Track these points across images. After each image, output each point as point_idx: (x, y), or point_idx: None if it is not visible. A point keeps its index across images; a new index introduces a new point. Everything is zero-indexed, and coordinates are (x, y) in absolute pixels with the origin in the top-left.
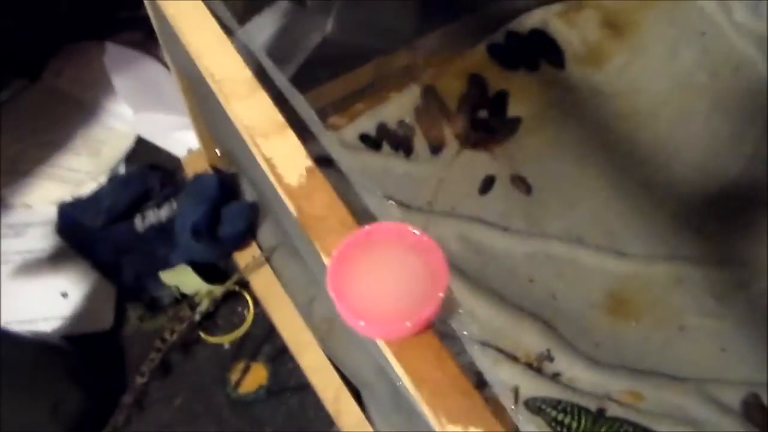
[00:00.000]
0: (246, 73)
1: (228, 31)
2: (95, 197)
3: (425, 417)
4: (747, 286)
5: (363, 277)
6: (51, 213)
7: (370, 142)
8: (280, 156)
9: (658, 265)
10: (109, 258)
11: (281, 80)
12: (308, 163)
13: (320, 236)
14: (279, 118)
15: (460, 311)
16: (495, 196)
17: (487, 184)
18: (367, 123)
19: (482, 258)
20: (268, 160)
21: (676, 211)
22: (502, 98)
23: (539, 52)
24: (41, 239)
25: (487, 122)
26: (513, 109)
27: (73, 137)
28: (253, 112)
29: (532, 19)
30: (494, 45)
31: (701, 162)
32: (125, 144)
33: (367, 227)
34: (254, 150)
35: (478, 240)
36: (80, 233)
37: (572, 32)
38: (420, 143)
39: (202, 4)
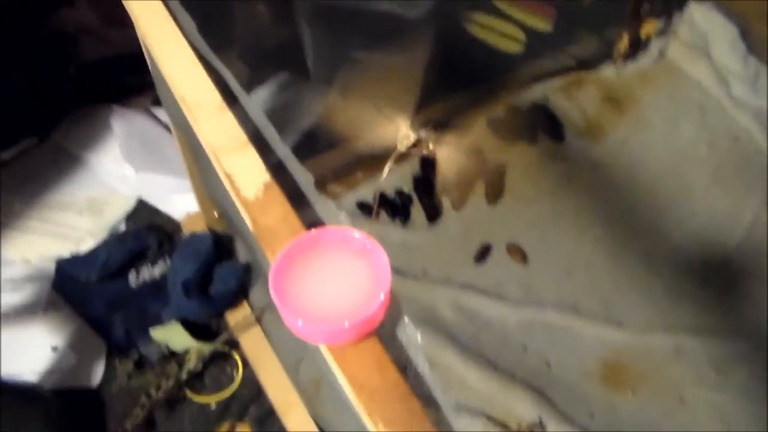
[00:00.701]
0: (215, 97)
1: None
2: (92, 254)
3: (363, 423)
4: (748, 357)
5: (306, 279)
6: (50, 268)
7: (367, 209)
8: (240, 171)
9: (655, 335)
10: (102, 313)
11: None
12: (266, 178)
13: (271, 245)
14: (242, 137)
15: (406, 319)
16: (491, 264)
17: (483, 253)
18: (365, 191)
19: (476, 325)
20: (228, 175)
21: (674, 281)
22: (500, 169)
23: (539, 126)
24: (38, 294)
25: None
26: (510, 181)
27: (77, 197)
28: (218, 132)
29: (532, 94)
30: (494, 118)
31: (701, 232)
32: (127, 206)
33: (313, 231)
34: (216, 166)
35: (472, 307)
36: (75, 288)
37: (572, 106)
38: (417, 212)
39: (181, 35)
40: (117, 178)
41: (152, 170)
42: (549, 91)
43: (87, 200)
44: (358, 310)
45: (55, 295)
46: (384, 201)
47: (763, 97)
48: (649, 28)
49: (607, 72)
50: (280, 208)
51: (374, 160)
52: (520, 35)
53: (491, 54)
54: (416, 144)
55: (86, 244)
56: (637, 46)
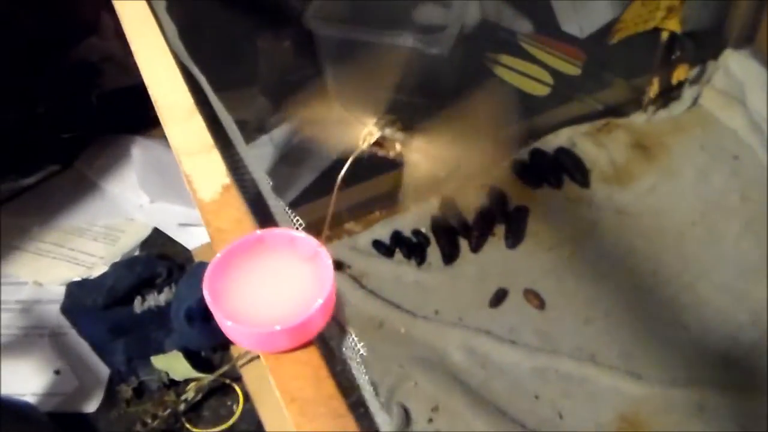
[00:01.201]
0: (187, 101)
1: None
2: (101, 279)
3: None
4: None
5: (245, 281)
6: (60, 292)
7: (384, 249)
8: (200, 172)
9: (677, 390)
10: (105, 338)
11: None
12: (225, 181)
13: (222, 248)
14: (209, 140)
15: (351, 332)
16: (506, 308)
17: (499, 297)
18: (382, 230)
19: (487, 371)
20: (187, 176)
21: (699, 334)
22: (521, 213)
23: (564, 170)
24: (46, 317)
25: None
26: (532, 225)
27: (94, 224)
28: (186, 134)
29: (558, 138)
30: (518, 162)
31: (729, 285)
32: (142, 234)
33: (258, 232)
34: (180, 168)
35: (484, 352)
36: (81, 312)
37: (600, 152)
38: (434, 253)
39: (162, 40)
40: (134, 207)
41: (167, 200)
42: (576, 136)
43: (104, 227)
44: (293, 314)
45: (62, 319)
46: (400, 240)
47: None
48: (680, 73)
49: (637, 118)
50: (236, 211)
51: (391, 200)
52: (548, 78)
53: (517, 96)
54: (381, 143)
55: (98, 269)
56: (668, 93)
